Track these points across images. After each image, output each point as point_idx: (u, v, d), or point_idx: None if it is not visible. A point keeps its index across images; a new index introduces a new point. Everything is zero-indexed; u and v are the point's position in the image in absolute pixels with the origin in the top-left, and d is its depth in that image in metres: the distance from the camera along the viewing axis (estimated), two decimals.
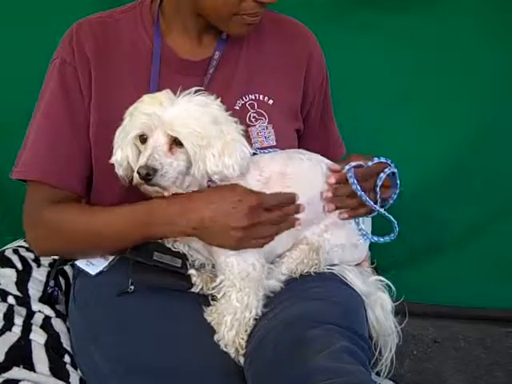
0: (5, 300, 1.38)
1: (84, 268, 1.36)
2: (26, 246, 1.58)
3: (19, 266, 1.49)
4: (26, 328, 1.33)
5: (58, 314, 1.42)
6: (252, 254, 1.22)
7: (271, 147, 1.37)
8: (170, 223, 1.21)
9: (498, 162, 1.95)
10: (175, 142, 1.16)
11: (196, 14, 1.32)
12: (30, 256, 1.53)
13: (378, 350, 1.32)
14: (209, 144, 1.16)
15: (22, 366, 1.25)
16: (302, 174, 1.29)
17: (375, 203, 1.30)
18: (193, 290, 1.28)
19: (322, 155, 1.37)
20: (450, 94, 1.89)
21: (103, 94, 1.34)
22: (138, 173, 1.14)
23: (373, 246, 1.38)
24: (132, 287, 1.28)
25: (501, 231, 2.00)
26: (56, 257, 1.51)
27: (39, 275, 1.48)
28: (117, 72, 1.34)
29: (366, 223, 1.38)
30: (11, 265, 1.49)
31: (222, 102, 1.22)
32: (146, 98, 1.20)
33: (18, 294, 1.41)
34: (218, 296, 1.23)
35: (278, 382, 1.07)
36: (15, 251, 1.54)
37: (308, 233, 1.29)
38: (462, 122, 1.91)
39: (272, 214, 1.22)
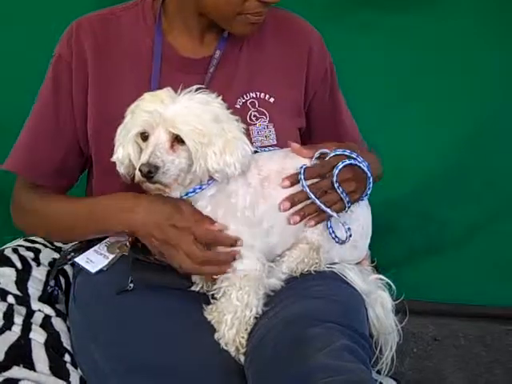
0: (4, 299, 1.38)
1: (84, 266, 1.36)
2: (26, 245, 1.58)
3: (19, 265, 1.49)
4: (26, 327, 1.32)
5: (58, 313, 1.41)
6: (251, 254, 1.21)
7: (272, 146, 1.37)
8: (106, 219, 1.28)
9: (497, 162, 1.95)
10: (177, 140, 1.16)
11: (198, 14, 1.32)
12: (29, 255, 1.53)
13: (379, 348, 1.32)
14: (210, 142, 1.16)
15: (21, 365, 1.24)
16: (298, 166, 1.28)
17: (341, 200, 1.25)
18: (193, 288, 1.28)
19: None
20: (449, 93, 1.89)
21: (103, 92, 1.34)
22: (140, 170, 1.14)
23: (373, 245, 1.38)
24: (131, 285, 1.28)
25: (500, 230, 2.00)
26: (56, 256, 1.52)
27: (39, 274, 1.48)
28: (117, 69, 1.35)
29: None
30: (11, 264, 1.48)
31: (223, 100, 1.22)
32: (147, 95, 1.20)
33: (17, 293, 1.41)
34: (218, 294, 1.22)
35: (279, 380, 1.07)
36: (15, 250, 1.54)
37: (308, 232, 1.29)
38: (462, 121, 1.91)
39: (194, 247, 1.20)
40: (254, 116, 1.37)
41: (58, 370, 1.28)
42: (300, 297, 1.22)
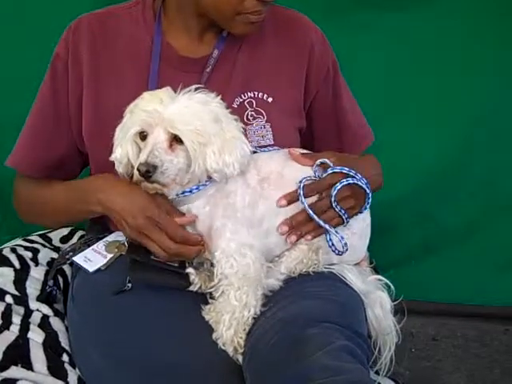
0: (2, 299, 1.38)
1: (82, 265, 1.36)
2: (24, 244, 1.59)
3: (17, 264, 1.49)
4: (24, 327, 1.33)
5: (56, 313, 1.41)
6: (249, 254, 1.21)
7: (269, 146, 1.36)
8: (86, 197, 1.29)
9: (496, 162, 1.96)
10: (175, 140, 1.16)
11: (198, 14, 1.32)
12: (27, 255, 1.53)
13: (378, 348, 1.32)
14: (209, 141, 1.16)
15: (19, 365, 1.25)
16: (300, 174, 1.28)
17: (339, 217, 1.25)
18: (191, 288, 1.27)
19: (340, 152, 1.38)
20: (448, 93, 1.89)
21: (100, 91, 1.34)
22: (138, 170, 1.14)
23: (371, 246, 1.38)
24: (129, 285, 1.28)
25: (498, 230, 2.01)
26: (54, 256, 1.52)
27: (37, 274, 1.48)
28: (115, 69, 1.35)
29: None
30: (9, 263, 1.49)
31: (221, 99, 1.22)
32: (146, 95, 1.20)
33: (15, 292, 1.41)
34: (217, 294, 1.22)
35: (277, 380, 1.07)
36: (13, 250, 1.54)
37: None
38: (460, 121, 1.91)
39: (160, 233, 1.21)
40: (251, 116, 1.36)
41: (56, 369, 1.28)
42: (298, 297, 1.21)
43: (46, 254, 1.57)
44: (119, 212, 1.23)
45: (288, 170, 1.29)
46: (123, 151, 1.20)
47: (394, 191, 1.83)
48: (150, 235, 1.21)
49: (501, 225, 2.01)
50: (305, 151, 1.34)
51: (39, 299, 1.42)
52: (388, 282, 1.34)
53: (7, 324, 1.32)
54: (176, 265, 1.27)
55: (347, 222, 1.27)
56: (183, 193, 1.22)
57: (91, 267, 1.35)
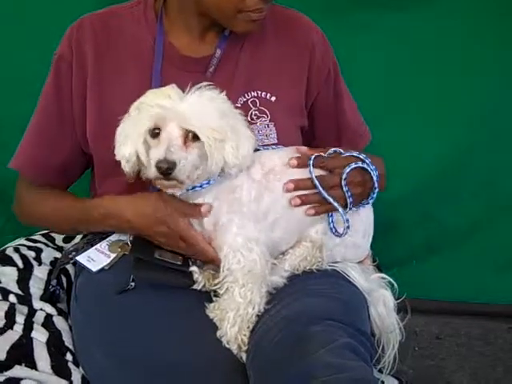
0: (6, 298, 1.38)
1: (85, 264, 1.36)
2: (27, 244, 1.59)
3: (20, 264, 1.49)
4: (28, 326, 1.33)
5: (60, 312, 1.42)
6: (256, 249, 1.22)
7: (273, 145, 1.36)
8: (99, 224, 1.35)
9: (495, 161, 1.96)
10: (188, 136, 1.16)
11: (199, 14, 1.32)
12: (31, 254, 1.54)
13: (381, 347, 1.32)
14: (226, 137, 1.17)
15: (23, 365, 1.25)
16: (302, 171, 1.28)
17: (344, 199, 1.25)
18: (195, 286, 1.27)
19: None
20: (449, 93, 1.89)
21: (104, 91, 1.34)
22: (159, 167, 1.13)
23: (374, 244, 1.38)
24: (133, 284, 1.28)
25: (500, 228, 2.02)
26: (57, 255, 1.53)
27: (40, 273, 1.49)
28: (118, 68, 1.35)
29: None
30: (12, 263, 1.49)
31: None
32: (150, 92, 1.20)
33: (19, 292, 1.41)
34: (221, 291, 1.22)
35: (280, 378, 1.07)
36: (16, 249, 1.54)
37: (312, 231, 1.29)
38: (461, 121, 1.92)
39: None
40: (255, 115, 1.36)
41: (59, 369, 1.29)
42: (302, 295, 1.22)
43: (49, 254, 1.57)
44: (146, 231, 1.27)
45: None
46: (132, 149, 1.18)
47: (396, 191, 1.83)
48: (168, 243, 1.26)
49: (503, 224, 2.02)
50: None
51: (43, 298, 1.42)
52: (391, 280, 1.34)
53: (11, 323, 1.32)
54: (179, 263, 1.27)
55: (349, 209, 1.27)
56: (193, 188, 1.22)
57: (94, 267, 1.35)
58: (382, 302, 1.31)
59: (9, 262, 1.49)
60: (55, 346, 1.32)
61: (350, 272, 1.30)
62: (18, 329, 1.32)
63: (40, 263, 1.52)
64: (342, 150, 1.29)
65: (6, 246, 1.60)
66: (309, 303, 1.19)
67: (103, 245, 1.38)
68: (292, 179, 1.25)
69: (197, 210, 1.23)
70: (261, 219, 1.25)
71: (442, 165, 1.96)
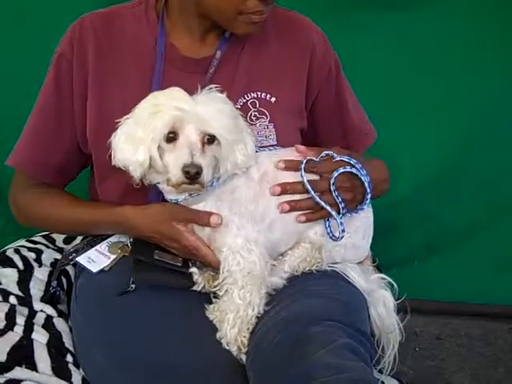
0: (6, 300, 1.39)
1: (85, 265, 1.36)
2: (28, 245, 1.59)
3: (20, 265, 1.49)
4: (28, 328, 1.33)
5: (60, 314, 1.42)
6: (255, 250, 1.22)
7: (271, 146, 1.36)
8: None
9: (496, 161, 1.96)
10: (204, 139, 1.16)
11: (200, 15, 1.32)
12: (31, 256, 1.54)
13: (381, 347, 1.32)
14: (237, 139, 1.19)
15: (24, 366, 1.25)
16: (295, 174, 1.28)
17: (336, 204, 1.25)
18: (194, 288, 1.28)
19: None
20: (448, 93, 1.90)
21: (104, 91, 1.34)
22: (187, 172, 1.12)
23: (374, 245, 1.38)
24: (133, 286, 1.28)
25: (500, 228, 2.02)
26: (57, 257, 1.53)
27: (40, 275, 1.49)
28: (119, 68, 1.35)
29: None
30: (13, 264, 1.49)
31: None
32: (155, 95, 1.20)
33: (19, 293, 1.42)
34: (220, 293, 1.22)
35: (280, 378, 1.07)
36: (16, 251, 1.54)
37: (311, 232, 1.29)
38: (461, 121, 1.92)
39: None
40: (254, 116, 1.36)
41: (60, 370, 1.29)
42: (301, 295, 1.21)
43: (49, 255, 1.57)
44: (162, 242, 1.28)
45: None
46: (146, 154, 1.17)
47: (396, 191, 1.82)
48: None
49: (503, 224, 2.02)
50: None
51: (43, 300, 1.42)
52: (391, 280, 1.34)
53: (11, 325, 1.32)
54: (179, 264, 1.28)
55: (343, 214, 1.26)
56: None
57: (94, 268, 1.35)
58: (381, 303, 1.31)
59: (9, 263, 1.49)
60: (55, 347, 1.32)
61: (350, 273, 1.30)
62: (19, 330, 1.32)
63: (40, 264, 1.52)
64: (334, 154, 1.28)
65: (7, 247, 1.60)
66: (308, 304, 1.19)
67: (103, 246, 1.39)
68: (279, 183, 1.25)
69: (205, 220, 1.23)
70: (258, 221, 1.25)
71: (442, 165, 1.96)
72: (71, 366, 1.32)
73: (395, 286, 1.34)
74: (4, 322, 1.32)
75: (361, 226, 1.33)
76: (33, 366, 1.26)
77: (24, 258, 1.52)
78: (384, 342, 1.32)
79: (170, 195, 1.25)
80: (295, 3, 1.49)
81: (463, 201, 1.99)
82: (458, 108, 1.91)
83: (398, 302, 1.33)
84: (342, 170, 1.24)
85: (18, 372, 1.23)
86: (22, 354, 1.27)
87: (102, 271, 1.35)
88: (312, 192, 1.23)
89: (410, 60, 1.88)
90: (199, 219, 1.23)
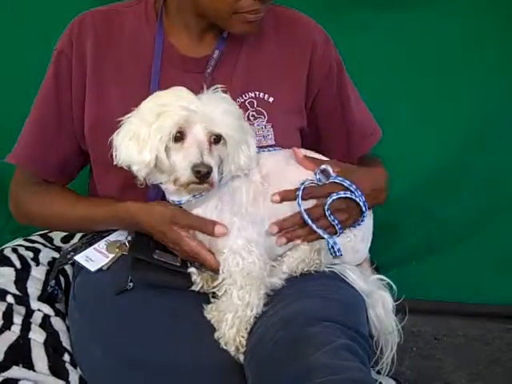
0: (4, 299, 1.38)
1: (83, 264, 1.36)
2: (25, 244, 1.59)
3: (18, 264, 1.49)
4: (25, 327, 1.33)
5: (58, 313, 1.42)
6: (255, 251, 1.21)
7: (270, 146, 1.36)
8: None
9: (495, 161, 1.96)
10: (211, 138, 1.16)
11: (197, 14, 1.32)
12: (28, 255, 1.53)
13: (379, 348, 1.32)
14: (241, 140, 1.19)
15: (21, 365, 1.25)
16: (300, 174, 1.28)
17: (332, 227, 1.26)
18: (193, 288, 1.28)
19: (346, 152, 1.42)
20: (448, 92, 1.90)
21: (102, 88, 1.34)
22: (197, 171, 1.12)
23: (373, 246, 1.38)
24: (131, 284, 1.28)
25: (499, 228, 2.02)
26: (55, 256, 1.54)
27: (38, 274, 1.49)
28: (118, 66, 1.35)
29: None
30: (10, 263, 1.49)
31: None
32: (159, 95, 1.19)
33: (16, 292, 1.41)
34: (219, 293, 1.22)
35: (278, 378, 1.07)
36: (14, 250, 1.54)
37: None
38: (460, 119, 1.92)
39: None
40: (252, 116, 1.36)
41: (57, 369, 1.29)
42: (299, 296, 1.22)
43: (46, 254, 1.57)
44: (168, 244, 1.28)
45: (288, 170, 1.29)
46: (153, 154, 1.16)
47: (396, 191, 1.81)
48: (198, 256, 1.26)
49: (502, 224, 2.01)
50: (310, 152, 1.34)
51: (40, 299, 1.42)
52: (390, 281, 1.34)
53: (8, 324, 1.32)
54: (178, 264, 1.28)
55: (340, 233, 1.27)
56: (200, 193, 1.22)
57: (93, 267, 1.35)
58: (380, 304, 1.31)
59: (7, 262, 1.49)
60: (53, 346, 1.32)
61: (349, 274, 1.30)
62: (16, 329, 1.32)
63: (38, 263, 1.52)
64: (330, 171, 1.27)
65: (4, 246, 1.60)
66: (306, 304, 1.19)
67: (101, 245, 1.39)
68: (275, 222, 1.25)
69: (210, 229, 1.23)
70: (258, 224, 1.25)
71: (440, 165, 1.96)
72: (68, 366, 1.31)
73: (394, 287, 1.34)
74: (1, 322, 1.32)
75: (360, 229, 1.33)
76: (30, 366, 1.26)
77: (21, 257, 1.51)
78: (383, 343, 1.32)
79: (173, 196, 1.25)
80: (294, 2, 1.49)
81: (463, 200, 1.99)
82: (457, 107, 1.91)
83: (397, 303, 1.32)
84: (335, 196, 1.25)
85: (15, 371, 1.23)
86: (19, 354, 1.27)
87: (100, 270, 1.35)
88: (310, 222, 1.24)
89: (409, 59, 1.88)
90: (204, 228, 1.23)
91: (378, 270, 1.40)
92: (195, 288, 1.28)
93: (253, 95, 1.37)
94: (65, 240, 1.66)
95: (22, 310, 1.37)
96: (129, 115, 1.20)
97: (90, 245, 1.40)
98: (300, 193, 1.24)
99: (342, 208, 1.26)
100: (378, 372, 1.35)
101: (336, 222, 1.25)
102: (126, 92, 1.31)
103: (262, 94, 1.37)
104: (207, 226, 1.22)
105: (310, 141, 1.45)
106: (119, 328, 1.26)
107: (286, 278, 1.27)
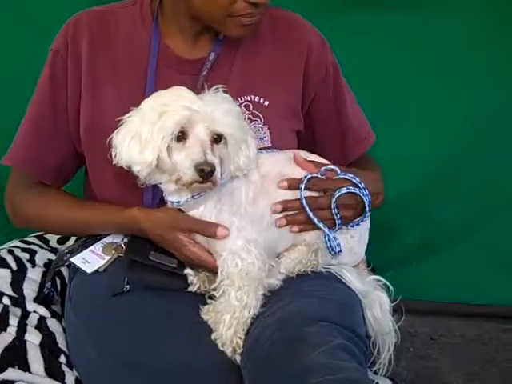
0: None
1: (80, 266, 1.36)
2: (21, 246, 1.58)
3: (14, 266, 1.48)
4: (21, 328, 1.32)
5: (54, 314, 1.41)
6: (254, 251, 1.21)
7: (267, 148, 1.35)
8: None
9: (493, 161, 1.96)
10: (212, 138, 1.16)
11: (191, 17, 1.31)
12: (24, 256, 1.53)
13: (376, 349, 1.32)
14: (242, 140, 1.19)
15: (17, 367, 1.24)
16: (300, 173, 1.28)
17: (333, 221, 1.25)
18: (190, 289, 1.27)
19: (341, 155, 1.43)
20: (445, 93, 1.90)
21: (98, 89, 1.33)
22: (201, 170, 1.12)
23: (370, 246, 1.38)
24: (128, 286, 1.27)
25: (496, 229, 2.02)
26: (51, 257, 1.53)
27: (34, 275, 1.48)
28: (113, 67, 1.34)
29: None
30: (6, 265, 1.48)
31: None
32: (161, 94, 1.19)
33: (12, 294, 1.41)
34: (217, 294, 1.22)
35: (274, 379, 1.07)
36: (10, 251, 1.54)
37: (308, 235, 1.28)
38: (457, 120, 1.92)
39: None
40: (248, 118, 1.35)
41: (53, 371, 1.28)
42: (296, 296, 1.21)
43: (43, 256, 1.56)
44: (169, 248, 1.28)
45: (288, 169, 1.29)
46: (155, 154, 1.15)
47: (393, 191, 1.82)
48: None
49: (500, 224, 2.02)
50: (310, 155, 1.34)
51: (36, 301, 1.41)
52: (387, 282, 1.34)
53: (4, 326, 1.31)
54: (174, 266, 1.27)
55: (338, 229, 1.27)
56: (199, 194, 1.22)
57: (89, 268, 1.35)
58: (377, 304, 1.31)
59: (2, 263, 1.48)
60: (49, 348, 1.31)
61: (346, 274, 1.30)
62: (12, 331, 1.31)
63: (34, 265, 1.51)
64: (338, 170, 1.28)
65: (0, 247, 1.59)
66: (303, 305, 1.19)
67: (97, 247, 1.38)
68: (280, 201, 1.25)
69: (212, 231, 1.22)
70: (257, 221, 1.25)
71: (438, 165, 1.96)
72: (64, 367, 1.31)
73: (391, 287, 1.34)
74: None
75: (357, 231, 1.33)
76: (26, 367, 1.25)
77: (17, 259, 1.51)
78: (380, 344, 1.32)
79: (172, 196, 1.25)
80: (290, 3, 1.49)
81: (460, 200, 1.99)
82: (455, 108, 1.91)
83: (394, 303, 1.32)
84: (345, 190, 1.25)
85: (11, 373, 1.23)
86: (15, 355, 1.26)
87: (96, 272, 1.34)
88: (308, 210, 1.24)
89: (407, 60, 1.88)
90: (205, 230, 1.23)
91: (374, 272, 1.40)
92: (192, 289, 1.27)
93: (248, 99, 1.37)
94: (61, 241, 1.65)
95: (18, 311, 1.36)
96: (129, 114, 1.19)
97: (86, 247, 1.39)
98: (305, 180, 1.24)
99: (350, 204, 1.26)
100: (375, 372, 1.35)
101: (338, 216, 1.25)
102: (121, 93, 1.31)
103: (257, 97, 1.37)
104: (209, 229, 1.22)
105: (306, 143, 1.45)
106: (115, 329, 1.25)
107: (283, 278, 1.26)
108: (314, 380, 1.01)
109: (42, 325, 1.36)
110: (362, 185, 1.26)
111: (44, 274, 1.49)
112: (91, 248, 1.38)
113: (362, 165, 1.48)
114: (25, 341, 1.30)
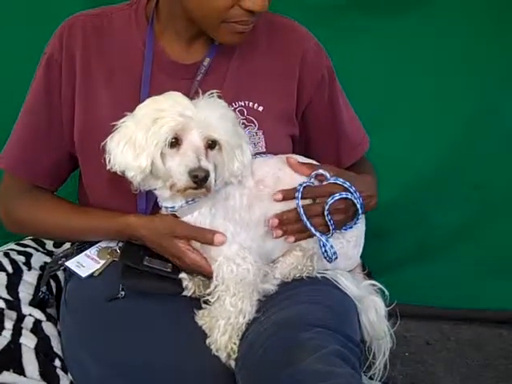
0: None
1: (74, 270, 1.35)
2: (17, 249, 1.58)
3: (9, 269, 1.48)
4: (16, 332, 1.32)
5: (49, 318, 1.41)
6: (249, 257, 1.21)
7: (262, 153, 1.35)
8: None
9: (489, 164, 1.96)
10: (206, 144, 1.16)
11: (187, 20, 1.30)
12: (20, 259, 1.53)
13: (372, 354, 1.32)
14: (236, 145, 1.19)
15: (11, 371, 1.24)
16: (295, 178, 1.28)
17: (326, 226, 1.25)
18: (184, 293, 1.27)
19: (335, 160, 1.42)
20: (441, 97, 1.90)
21: (92, 93, 1.33)
22: (195, 176, 1.12)
23: (365, 250, 1.38)
24: (123, 293, 1.27)
25: (492, 233, 2.01)
26: (47, 260, 1.53)
27: (30, 278, 1.48)
28: (107, 71, 1.34)
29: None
30: (1, 268, 1.48)
31: None
32: (155, 100, 1.19)
33: (8, 297, 1.40)
34: (212, 300, 1.22)
35: None
36: (6, 254, 1.53)
37: (303, 241, 1.28)
38: (451, 125, 1.92)
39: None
40: (243, 124, 1.34)
41: (48, 374, 1.28)
42: (291, 302, 1.22)
43: (38, 259, 1.56)
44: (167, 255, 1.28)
45: (283, 174, 1.29)
46: (149, 160, 1.15)
47: (388, 195, 1.83)
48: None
49: (495, 228, 2.02)
50: (304, 159, 1.34)
51: (32, 304, 1.41)
52: (382, 287, 1.34)
53: None
54: (169, 270, 1.27)
55: (332, 234, 1.27)
56: (193, 200, 1.22)
57: (83, 273, 1.35)
58: (373, 309, 1.31)
59: None
60: (44, 351, 1.31)
61: (341, 279, 1.30)
62: (7, 334, 1.31)
63: (29, 268, 1.51)
64: (328, 175, 1.28)
65: None
66: (298, 310, 1.19)
67: (93, 251, 1.38)
68: (276, 214, 1.25)
69: (209, 238, 1.22)
70: (252, 228, 1.25)
71: (433, 168, 1.96)
72: (59, 371, 1.31)
73: (386, 292, 1.34)
74: None
75: (353, 235, 1.33)
76: (21, 371, 1.25)
77: (13, 262, 1.50)
78: (375, 349, 1.33)
79: (167, 202, 1.25)
80: (287, 8, 1.49)
81: (456, 204, 1.99)
82: (449, 111, 1.91)
83: (389, 308, 1.33)
84: (337, 196, 1.25)
85: (6, 376, 1.22)
86: (10, 359, 1.26)
87: (91, 276, 1.34)
88: (305, 218, 1.23)
89: (402, 65, 1.87)
90: (202, 237, 1.23)
91: (370, 276, 1.40)
92: (187, 293, 1.27)
93: (243, 104, 1.36)
94: (57, 245, 1.65)
95: (14, 314, 1.36)
96: (123, 119, 1.19)
97: (82, 251, 1.39)
98: (300, 189, 1.24)
99: (340, 208, 1.26)
100: (371, 377, 1.35)
101: (331, 222, 1.25)
102: (115, 97, 1.30)
103: (251, 103, 1.37)
104: (206, 236, 1.22)
105: (300, 148, 1.45)
106: (110, 333, 1.26)
107: (279, 283, 1.27)
108: None
109: (37, 328, 1.36)
110: (352, 188, 1.26)
111: (40, 277, 1.48)
112: (86, 252, 1.38)
113: (356, 167, 1.48)
114: (20, 344, 1.29)
